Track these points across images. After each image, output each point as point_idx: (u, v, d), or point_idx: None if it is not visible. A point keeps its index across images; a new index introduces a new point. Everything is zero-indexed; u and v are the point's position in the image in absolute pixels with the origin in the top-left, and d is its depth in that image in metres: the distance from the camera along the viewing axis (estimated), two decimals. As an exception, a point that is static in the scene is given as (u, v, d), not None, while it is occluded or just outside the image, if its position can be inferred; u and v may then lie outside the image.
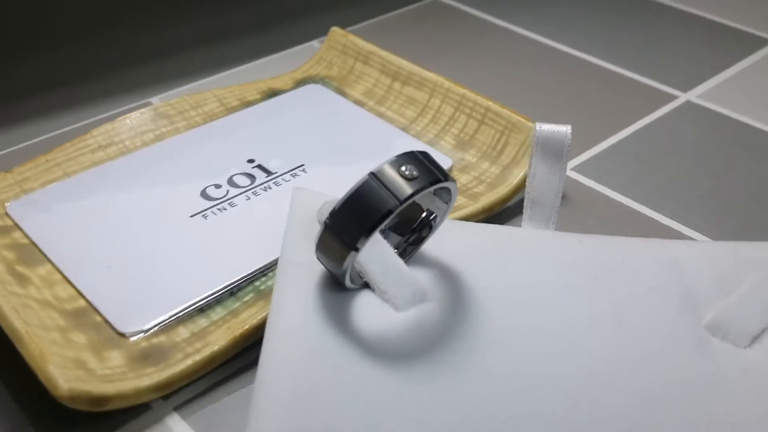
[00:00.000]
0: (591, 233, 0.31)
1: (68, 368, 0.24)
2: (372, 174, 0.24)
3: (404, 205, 0.24)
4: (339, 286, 0.27)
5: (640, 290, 0.28)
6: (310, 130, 0.38)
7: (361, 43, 0.42)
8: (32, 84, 0.43)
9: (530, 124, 0.35)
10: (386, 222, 0.24)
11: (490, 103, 0.37)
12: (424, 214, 0.28)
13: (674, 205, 0.36)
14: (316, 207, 0.29)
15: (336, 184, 0.34)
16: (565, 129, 0.31)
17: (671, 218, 0.35)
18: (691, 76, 0.46)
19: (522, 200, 0.32)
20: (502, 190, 0.34)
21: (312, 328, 0.25)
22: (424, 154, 0.25)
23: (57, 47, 0.43)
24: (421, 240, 0.28)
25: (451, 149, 0.37)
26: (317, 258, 0.26)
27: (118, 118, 0.38)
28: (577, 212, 0.35)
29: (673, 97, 0.44)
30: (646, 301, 0.27)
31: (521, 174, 0.34)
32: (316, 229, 0.29)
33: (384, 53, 0.41)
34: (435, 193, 0.27)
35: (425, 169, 0.25)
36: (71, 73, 0.44)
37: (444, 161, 0.36)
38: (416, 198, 0.26)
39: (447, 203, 0.27)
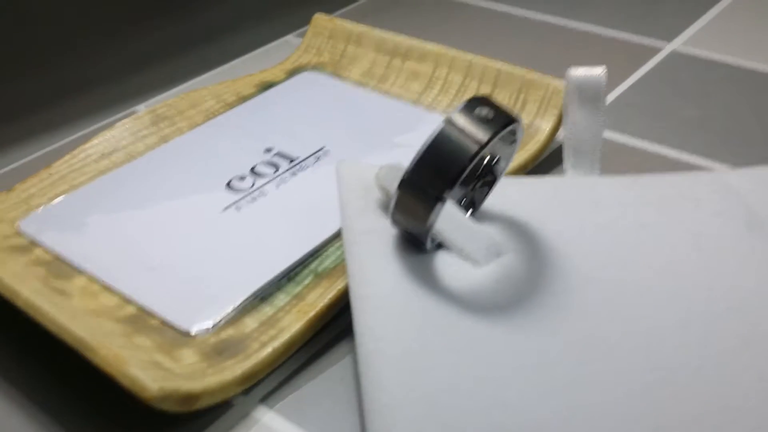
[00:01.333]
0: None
1: (148, 370, 0.22)
2: (448, 121, 0.23)
3: (486, 148, 0.23)
4: (414, 249, 0.25)
5: (705, 216, 0.27)
6: (319, 114, 0.37)
7: (349, 25, 0.41)
8: (14, 104, 0.40)
9: (548, 78, 0.35)
10: (470, 167, 0.23)
11: (500, 64, 0.36)
12: (487, 159, 0.27)
13: (695, 142, 0.36)
14: (367, 175, 0.28)
15: (366, 160, 0.32)
16: (599, 70, 0.31)
17: (696, 154, 0.35)
18: (672, 25, 0.47)
19: (551, 155, 0.31)
20: (533, 147, 0.33)
21: (403, 293, 0.23)
22: (489, 97, 0.24)
23: (35, 66, 0.40)
24: (488, 184, 0.27)
25: (468, 115, 0.36)
26: (393, 221, 0.25)
27: (117, 124, 0.35)
28: (604, 164, 0.35)
29: (658, 49, 0.44)
30: (715, 226, 0.27)
31: (548, 129, 0.34)
32: (376, 196, 0.27)
33: (377, 32, 0.40)
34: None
35: (498, 111, 0.23)
36: (51, 92, 0.41)
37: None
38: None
39: (512, 144, 0.26)
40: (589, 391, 0.21)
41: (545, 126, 0.34)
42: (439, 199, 0.23)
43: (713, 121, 0.37)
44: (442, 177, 0.23)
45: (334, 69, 0.40)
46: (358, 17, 0.50)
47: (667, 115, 0.38)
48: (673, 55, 0.44)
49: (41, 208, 0.31)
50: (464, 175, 0.22)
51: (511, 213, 0.27)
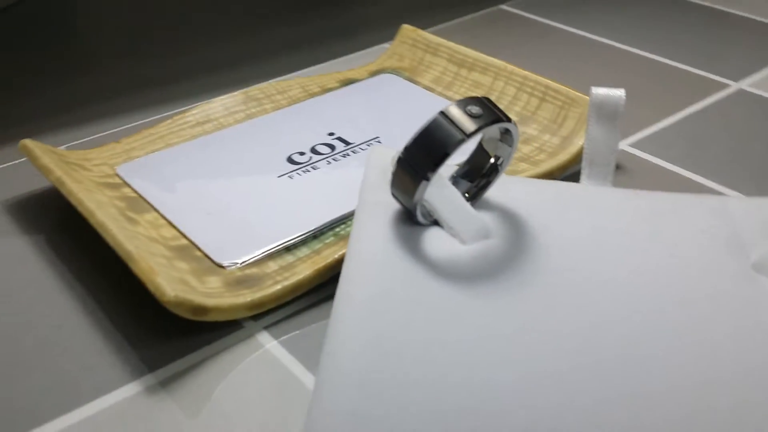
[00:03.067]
0: (645, 189, 0.33)
1: (174, 282, 0.27)
2: (441, 112, 0.27)
3: (470, 138, 0.26)
4: (412, 221, 0.29)
5: (689, 231, 0.29)
6: (385, 110, 0.41)
7: (430, 36, 0.45)
8: (141, 79, 0.47)
9: (587, 97, 0.37)
10: (453, 154, 0.26)
11: (550, 81, 0.39)
12: (491, 160, 0.30)
13: (728, 174, 0.37)
14: (389, 158, 0.32)
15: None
16: (619, 92, 0.33)
17: (725, 185, 0.36)
18: (743, 68, 0.48)
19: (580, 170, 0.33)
20: (563, 157, 0.36)
21: (387, 252, 0.27)
22: (488, 99, 0.27)
23: (169, 50, 0.47)
24: (489, 184, 0.30)
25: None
26: (392, 194, 0.28)
27: (214, 99, 0.41)
28: (633, 180, 0.37)
29: (725, 86, 0.45)
30: (696, 241, 0.29)
31: (581, 143, 0.36)
32: (389, 175, 0.31)
33: (451, 44, 0.44)
34: (501, 138, 0.29)
35: (488, 110, 0.27)
36: (177, 72, 0.48)
37: (507, 133, 0.38)
38: (482, 138, 0.29)
39: (510, 146, 0.29)
40: (538, 363, 0.24)
41: (578, 141, 0.36)
42: (425, 177, 0.26)
43: (758, 154, 0.38)
44: (428, 159, 0.26)
45: (411, 74, 0.45)
46: (452, 33, 0.54)
47: (714, 145, 0.39)
48: (739, 93, 0.45)
49: (138, 159, 0.37)
50: (447, 159, 0.26)
51: (509, 205, 0.30)
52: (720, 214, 0.30)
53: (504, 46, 0.52)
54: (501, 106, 0.40)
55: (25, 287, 0.31)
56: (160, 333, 0.28)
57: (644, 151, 0.39)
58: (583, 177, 0.33)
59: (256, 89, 0.42)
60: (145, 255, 0.28)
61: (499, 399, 0.23)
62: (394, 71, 0.45)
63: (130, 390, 0.26)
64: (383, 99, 0.42)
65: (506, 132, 0.28)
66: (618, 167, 0.38)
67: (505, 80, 0.41)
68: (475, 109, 0.27)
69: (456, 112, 0.26)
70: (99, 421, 0.25)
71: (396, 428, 0.22)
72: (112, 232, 0.29)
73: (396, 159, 0.27)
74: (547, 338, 0.25)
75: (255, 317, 0.29)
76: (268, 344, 0.28)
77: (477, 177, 0.30)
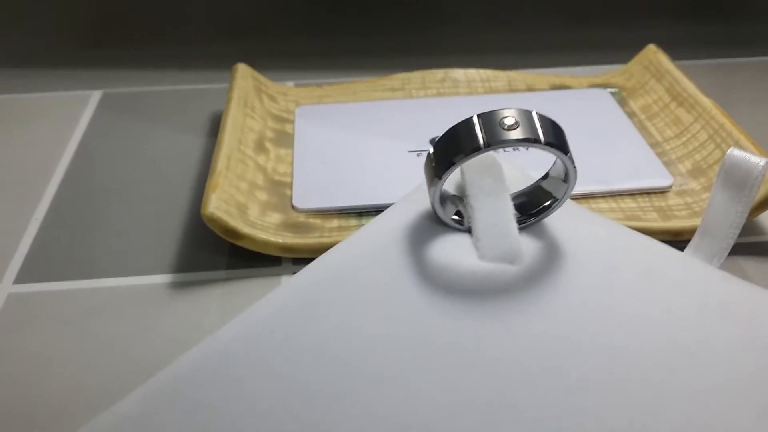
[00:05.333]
0: None
1: (227, 203, 0.30)
2: (478, 115, 0.25)
3: (490, 149, 0.24)
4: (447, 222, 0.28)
5: (742, 344, 0.23)
6: (565, 121, 0.38)
7: (664, 60, 0.40)
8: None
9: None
10: (467, 160, 0.24)
11: (741, 136, 0.33)
12: (549, 202, 0.27)
13: None
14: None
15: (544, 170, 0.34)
16: (757, 160, 0.27)
17: None
18: None
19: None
20: (690, 223, 0.30)
21: (391, 235, 0.26)
22: (548, 118, 0.25)
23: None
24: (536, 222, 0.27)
25: (684, 173, 0.34)
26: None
27: (416, 72, 0.42)
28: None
29: None
30: (744, 355, 0.23)
31: (731, 211, 0.30)
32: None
33: (678, 74, 0.39)
34: (563, 177, 0.26)
35: (529, 127, 0.24)
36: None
37: (665, 179, 0.33)
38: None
39: (566, 183, 0.26)
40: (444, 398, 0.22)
41: (730, 207, 0.30)
42: (438, 176, 0.25)
43: None
44: (445, 158, 0.25)
45: (629, 94, 0.40)
46: (713, 72, 0.46)
47: None
48: None
49: (321, 104, 0.40)
50: (460, 164, 0.24)
51: (560, 241, 0.27)
52: (705, 283, 0.23)
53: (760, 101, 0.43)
54: (685, 151, 0.35)
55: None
56: (216, 241, 0.31)
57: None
58: (689, 247, 0.28)
59: (460, 72, 0.42)
60: (229, 175, 0.31)
61: None
62: (614, 88, 0.41)
63: (158, 279, 0.30)
64: (573, 114, 0.39)
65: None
66: (748, 248, 0.31)
67: (703, 123, 0.35)
68: (510, 121, 0.24)
69: (491, 119, 0.24)
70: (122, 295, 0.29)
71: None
72: (221, 151, 0.32)
73: (428, 154, 0.26)
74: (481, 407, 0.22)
75: (295, 260, 0.31)
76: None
77: (525, 213, 0.27)
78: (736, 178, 0.27)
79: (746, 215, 0.27)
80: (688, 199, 0.32)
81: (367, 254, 0.26)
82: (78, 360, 0.26)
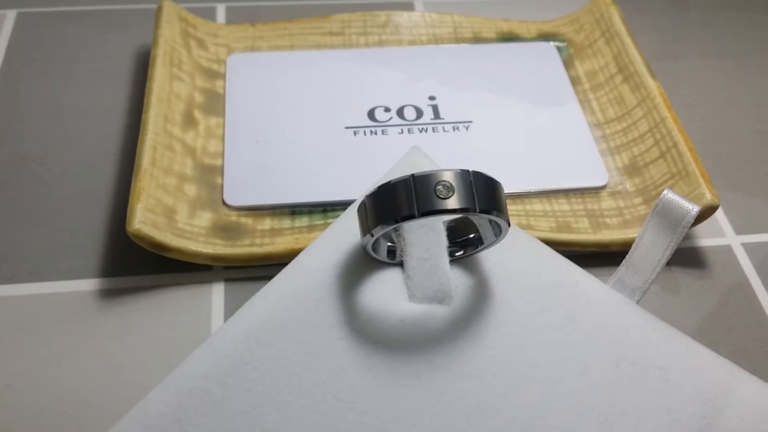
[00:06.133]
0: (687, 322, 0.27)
1: (153, 212, 0.29)
2: (413, 176, 0.24)
3: (421, 218, 0.23)
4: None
5: (653, 407, 0.24)
6: (507, 88, 0.36)
7: (615, 19, 0.38)
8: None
9: (701, 181, 0.30)
10: (395, 226, 0.24)
11: (680, 138, 0.32)
12: (473, 235, 0.27)
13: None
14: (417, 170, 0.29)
15: (479, 156, 0.33)
16: (691, 207, 0.27)
17: (803, 350, 0.29)
18: None
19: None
20: (630, 234, 0.30)
21: (320, 276, 0.26)
22: (486, 179, 0.24)
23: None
24: (464, 255, 0.27)
25: (619, 169, 0.33)
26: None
27: (357, 13, 0.39)
28: (712, 285, 0.31)
29: None
30: (651, 420, 0.24)
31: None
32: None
33: (627, 39, 0.37)
34: (490, 222, 0.25)
35: (465, 196, 0.23)
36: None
37: (599, 178, 0.33)
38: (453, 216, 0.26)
39: (496, 237, 0.25)
40: None
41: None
42: (368, 232, 0.24)
43: None
44: (374, 217, 0.24)
45: (576, 52, 0.39)
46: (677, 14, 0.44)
47: None
48: None
49: (253, 53, 0.38)
50: (388, 228, 0.24)
51: (492, 278, 0.27)
52: (712, 398, 0.24)
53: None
54: (624, 140, 0.34)
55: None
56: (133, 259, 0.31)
57: (751, 258, 0.32)
58: (614, 276, 0.28)
59: (404, 15, 0.40)
60: (155, 173, 0.30)
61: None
62: (562, 42, 0.39)
63: (87, 285, 0.29)
64: (519, 73, 0.37)
65: (493, 221, 0.25)
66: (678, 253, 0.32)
67: (645, 110, 0.34)
68: (446, 190, 0.23)
69: (425, 184, 0.23)
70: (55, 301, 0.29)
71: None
72: (145, 139, 0.30)
73: (360, 202, 0.25)
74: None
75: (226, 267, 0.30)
76: (215, 295, 0.29)
77: (451, 241, 0.27)
78: (667, 220, 0.27)
79: (670, 256, 0.27)
80: (621, 203, 0.32)
81: (297, 302, 0.26)
82: None
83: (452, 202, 0.23)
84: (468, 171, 0.24)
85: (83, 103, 0.36)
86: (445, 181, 0.23)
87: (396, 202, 0.23)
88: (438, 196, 0.23)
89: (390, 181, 0.24)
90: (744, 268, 0.32)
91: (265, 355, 0.24)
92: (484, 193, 0.24)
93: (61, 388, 0.26)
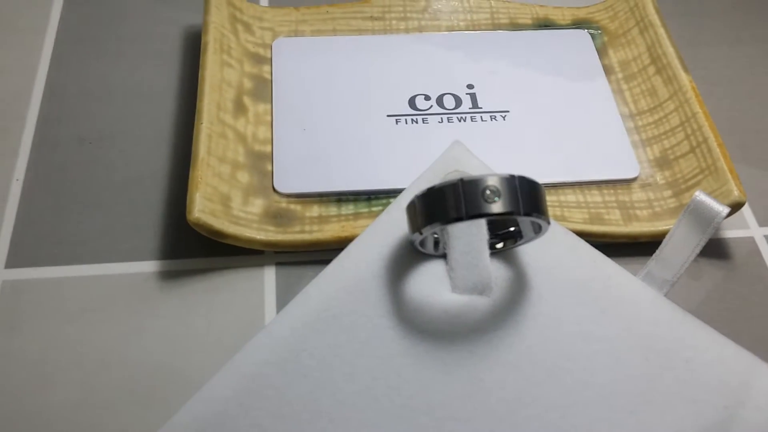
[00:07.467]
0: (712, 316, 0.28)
1: (211, 200, 0.30)
2: (461, 180, 0.25)
3: (468, 221, 0.25)
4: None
5: (679, 397, 0.26)
6: (542, 77, 0.37)
7: (650, 8, 0.39)
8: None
9: (729, 177, 0.31)
10: (443, 227, 0.25)
11: (710, 134, 0.33)
12: (513, 229, 0.28)
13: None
14: (462, 166, 0.30)
15: (516, 146, 0.34)
16: (721, 208, 0.28)
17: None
18: None
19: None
20: (660, 226, 0.32)
21: (369, 268, 0.28)
22: (529, 183, 0.25)
23: None
24: (504, 249, 0.28)
25: (650, 161, 0.34)
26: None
27: (399, -3, 0.40)
28: (735, 276, 0.32)
29: None
30: (679, 410, 0.26)
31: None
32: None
33: (661, 30, 0.37)
34: (531, 221, 0.27)
35: (511, 200, 0.24)
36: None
37: (632, 169, 0.34)
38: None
39: (536, 234, 0.27)
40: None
41: (687, 217, 0.32)
42: (417, 230, 0.26)
43: None
44: (423, 218, 0.25)
45: (609, 41, 0.39)
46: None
47: None
48: None
49: (298, 37, 0.38)
50: (437, 228, 0.25)
51: (530, 271, 0.28)
52: (734, 389, 0.26)
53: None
54: (656, 132, 0.35)
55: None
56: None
57: (777, 252, 0.33)
58: (644, 269, 0.30)
59: (442, 0, 0.40)
60: (211, 161, 0.31)
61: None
62: (596, 29, 0.40)
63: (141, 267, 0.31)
64: (556, 63, 0.38)
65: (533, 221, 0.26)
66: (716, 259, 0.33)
67: (677, 104, 0.35)
68: (494, 194, 0.24)
69: (473, 188, 0.25)
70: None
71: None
72: (201, 128, 0.32)
73: (410, 201, 0.26)
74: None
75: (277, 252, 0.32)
76: (267, 278, 0.31)
77: (493, 232, 0.28)
78: (698, 220, 0.28)
79: (698, 252, 0.29)
80: (651, 195, 0.33)
81: (349, 292, 0.27)
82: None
83: (498, 206, 0.24)
84: (513, 176, 0.25)
85: (132, 84, 0.37)
86: (491, 185, 0.25)
87: (445, 205, 0.25)
88: (485, 200, 0.24)
89: (440, 184, 0.25)
90: (766, 259, 0.33)
91: (320, 343, 0.26)
92: (527, 197, 0.25)
93: (128, 367, 0.28)
